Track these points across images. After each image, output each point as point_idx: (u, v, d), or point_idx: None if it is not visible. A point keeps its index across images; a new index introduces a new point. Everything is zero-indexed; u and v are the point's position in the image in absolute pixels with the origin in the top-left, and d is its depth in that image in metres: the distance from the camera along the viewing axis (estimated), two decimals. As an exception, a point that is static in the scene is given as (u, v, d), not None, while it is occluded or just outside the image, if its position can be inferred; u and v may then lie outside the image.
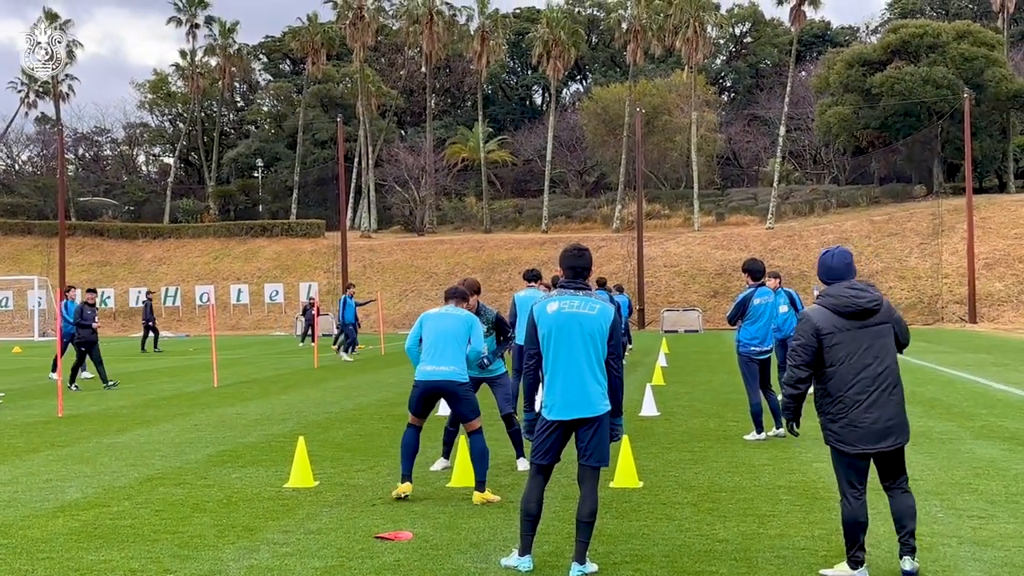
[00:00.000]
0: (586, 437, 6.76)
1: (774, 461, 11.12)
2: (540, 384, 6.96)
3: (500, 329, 11.10)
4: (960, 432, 13.13)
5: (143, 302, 39.21)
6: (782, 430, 12.78)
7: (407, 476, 9.36)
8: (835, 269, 6.66)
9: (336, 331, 34.18)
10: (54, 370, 23.85)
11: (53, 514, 8.98)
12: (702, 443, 12.49)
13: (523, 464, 10.46)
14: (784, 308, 16.80)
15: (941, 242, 56.32)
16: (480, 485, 9.25)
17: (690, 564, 7.03)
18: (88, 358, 22.10)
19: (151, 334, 37.28)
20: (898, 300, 54.30)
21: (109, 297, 62.00)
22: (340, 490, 9.83)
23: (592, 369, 6.74)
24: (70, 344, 22.10)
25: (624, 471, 9.82)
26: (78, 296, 23.49)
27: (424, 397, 9.41)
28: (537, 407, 7.00)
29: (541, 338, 6.85)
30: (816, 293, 36.96)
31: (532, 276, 15.15)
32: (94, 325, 21.84)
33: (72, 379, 21.62)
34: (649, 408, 15.38)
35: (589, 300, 6.80)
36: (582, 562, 6.72)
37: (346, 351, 30.44)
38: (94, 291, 23.33)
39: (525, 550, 6.92)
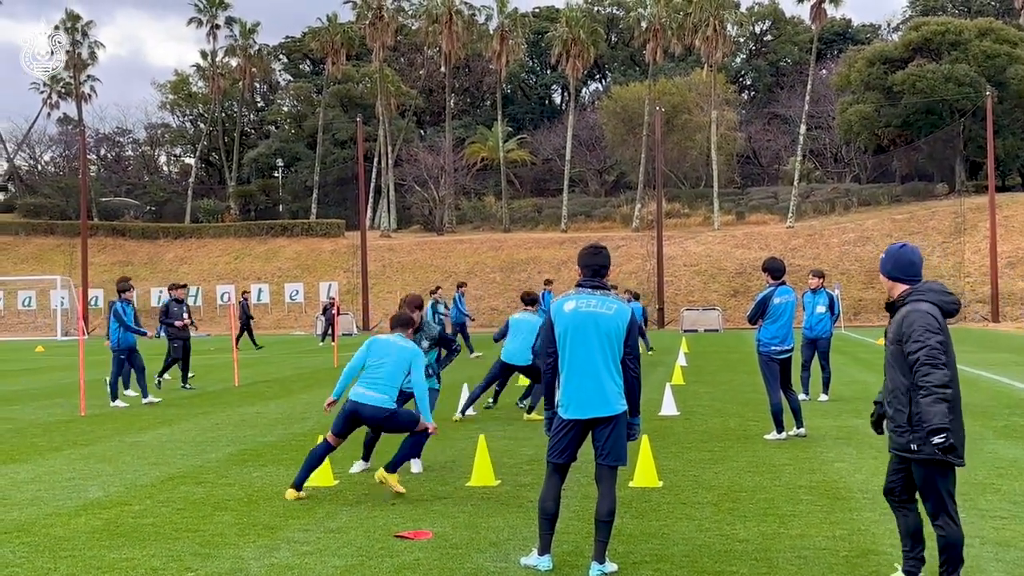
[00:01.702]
0: (603, 436, 6.74)
1: (795, 461, 11.07)
2: (558, 383, 6.94)
3: (443, 344, 11.96)
4: (983, 432, 13.04)
5: (239, 301, 39.41)
6: (803, 430, 12.73)
7: (299, 486, 9.44)
8: (917, 265, 6.13)
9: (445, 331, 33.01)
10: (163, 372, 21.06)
11: (75, 512, 9.03)
12: (722, 443, 12.45)
13: (416, 465, 10.73)
14: (822, 308, 16.69)
15: (963, 241, 55.96)
16: (392, 467, 9.54)
17: (710, 564, 7.00)
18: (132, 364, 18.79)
19: (246, 331, 37.65)
20: (920, 299, 54.06)
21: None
22: (360, 489, 9.85)
23: (608, 368, 6.72)
24: (128, 352, 18.41)
25: (644, 471, 9.80)
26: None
27: (349, 419, 9.53)
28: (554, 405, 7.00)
29: (558, 336, 6.82)
30: (837, 291, 36.73)
31: (530, 300, 15.33)
32: (177, 323, 20.17)
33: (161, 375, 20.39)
34: (669, 407, 15.35)
35: (606, 299, 6.79)
36: (602, 561, 6.70)
37: (470, 350, 29.49)
38: (182, 286, 21.42)
39: (544, 549, 6.90)
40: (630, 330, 6.78)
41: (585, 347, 6.73)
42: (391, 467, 9.52)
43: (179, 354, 20.59)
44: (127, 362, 18.31)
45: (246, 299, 39.22)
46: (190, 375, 21.76)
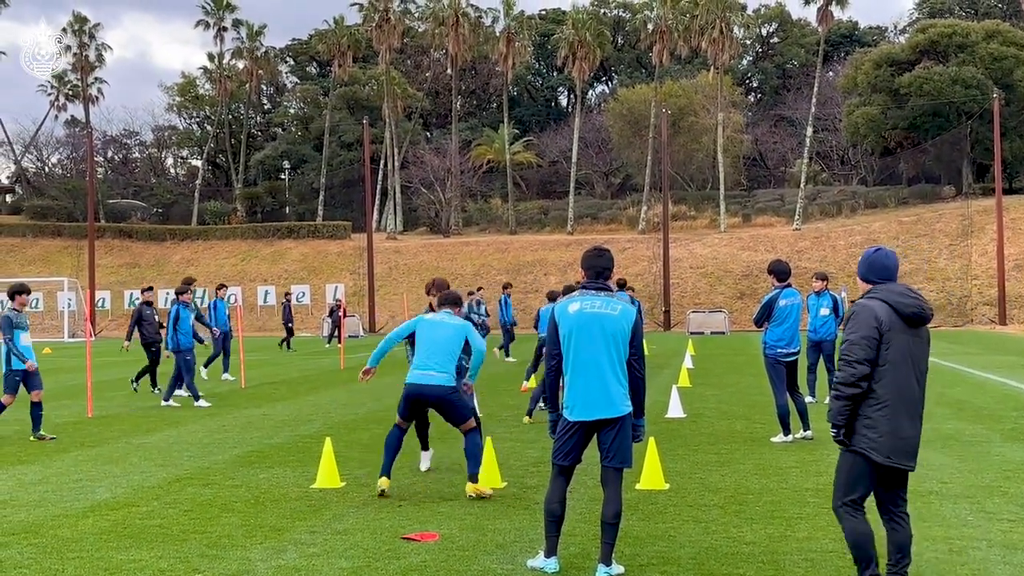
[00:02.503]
0: (608, 438, 6.75)
1: (801, 463, 11.06)
2: (562, 384, 6.96)
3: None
4: (990, 435, 13.02)
5: (282, 303, 39.58)
6: (809, 432, 12.71)
7: (386, 472, 9.55)
8: (890, 269, 6.14)
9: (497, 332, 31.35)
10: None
11: (83, 514, 9.06)
12: (729, 445, 12.44)
13: (425, 462, 10.97)
14: (825, 311, 16.62)
15: (970, 243, 55.85)
16: (473, 478, 9.46)
17: (717, 567, 7.00)
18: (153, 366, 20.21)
19: (289, 335, 37.95)
20: (927, 302, 53.94)
21: (138, 299, 62.36)
22: (367, 491, 9.86)
23: (614, 369, 6.73)
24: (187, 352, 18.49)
25: (650, 473, 9.80)
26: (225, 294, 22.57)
27: (412, 402, 9.59)
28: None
29: (562, 338, 6.84)
30: (844, 294, 36.63)
31: (550, 297, 15.34)
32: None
33: (142, 381, 20.78)
34: (675, 410, 15.35)
35: (611, 301, 6.81)
36: (608, 563, 6.70)
37: (506, 353, 29.53)
38: (148, 288, 21.20)
39: (551, 551, 6.91)
40: (635, 331, 6.81)
41: (590, 348, 6.73)
42: (472, 478, 9.48)
43: (153, 360, 20.44)
44: (180, 361, 18.15)
45: (288, 301, 39.19)
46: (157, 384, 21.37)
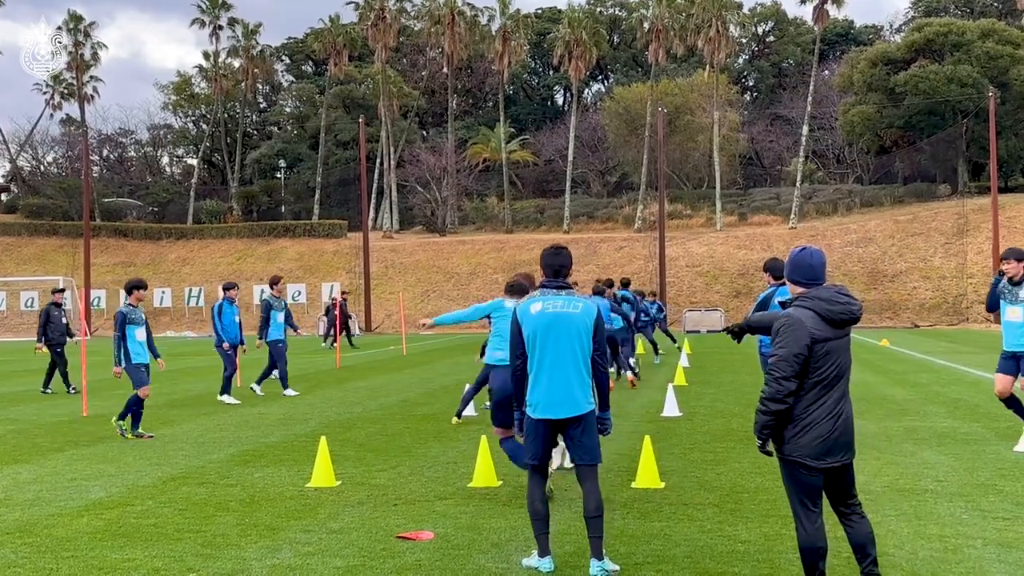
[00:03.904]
0: (575, 436, 6.84)
1: (797, 462, 11.05)
2: (527, 384, 6.98)
3: None
4: (985, 433, 13.03)
5: (339, 302, 39.23)
6: None
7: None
8: (815, 269, 5.91)
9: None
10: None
11: (77, 513, 9.04)
12: (724, 444, 12.44)
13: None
14: None
15: (966, 242, 55.92)
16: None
17: (712, 565, 7.00)
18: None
19: (343, 330, 37.71)
20: (922, 300, 54.00)
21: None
22: (362, 490, 9.85)
23: (577, 367, 6.80)
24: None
25: (646, 471, 9.79)
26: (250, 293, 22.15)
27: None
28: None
29: (526, 338, 6.88)
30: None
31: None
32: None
33: (54, 383, 21.18)
34: (671, 408, 15.34)
35: (572, 299, 6.88)
36: (600, 558, 6.71)
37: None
38: (60, 290, 21.75)
39: (544, 551, 6.92)
40: (597, 327, 6.87)
41: (555, 347, 6.79)
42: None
43: (59, 361, 20.88)
44: (273, 358, 18.80)
45: (345, 299, 38.97)
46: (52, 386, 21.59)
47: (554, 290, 6.92)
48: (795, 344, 5.70)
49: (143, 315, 14.01)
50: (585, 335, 6.82)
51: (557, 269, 6.98)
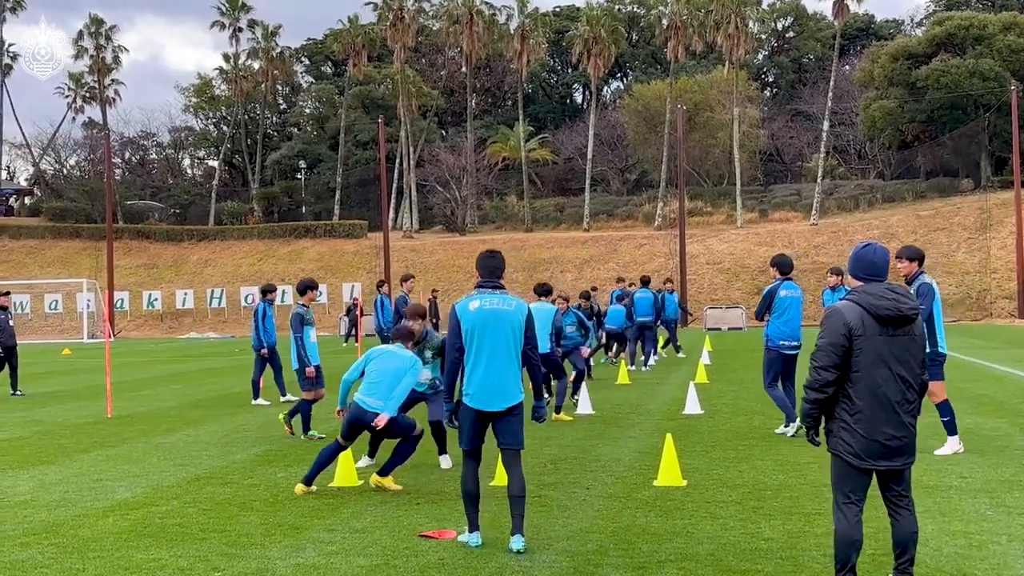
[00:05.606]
0: (504, 425, 7.49)
1: (819, 459, 11.01)
2: (462, 375, 7.60)
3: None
4: (1010, 429, 12.95)
5: (428, 300, 38.94)
6: (790, 429, 12.68)
7: (308, 482, 9.71)
8: (878, 266, 5.96)
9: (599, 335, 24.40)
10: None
11: (103, 513, 9.11)
12: (746, 441, 12.41)
13: (445, 461, 11.10)
14: None
15: (989, 236, 55.52)
16: (384, 472, 9.86)
17: (735, 563, 6.99)
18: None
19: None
20: (946, 295, 53.60)
21: (156, 300, 62.92)
22: (384, 489, 9.88)
23: (510, 360, 7.47)
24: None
25: (668, 469, 9.78)
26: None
27: (353, 424, 9.77)
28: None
29: (464, 333, 7.50)
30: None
31: (543, 291, 15.25)
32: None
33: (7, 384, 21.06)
34: (693, 406, 15.32)
35: (506, 297, 7.59)
36: (522, 534, 7.34)
37: (644, 363, 24.15)
38: (5, 293, 21.53)
39: (473, 527, 7.59)
40: (528, 323, 7.59)
41: (490, 341, 7.44)
42: (383, 472, 9.89)
43: (5, 363, 20.70)
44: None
45: (434, 298, 38.66)
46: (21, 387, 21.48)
47: (490, 289, 7.59)
48: (832, 334, 5.84)
49: (313, 315, 13.83)
50: (518, 330, 7.51)
51: (492, 270, 7.70)
